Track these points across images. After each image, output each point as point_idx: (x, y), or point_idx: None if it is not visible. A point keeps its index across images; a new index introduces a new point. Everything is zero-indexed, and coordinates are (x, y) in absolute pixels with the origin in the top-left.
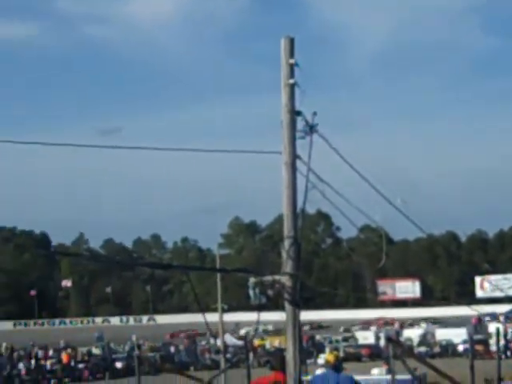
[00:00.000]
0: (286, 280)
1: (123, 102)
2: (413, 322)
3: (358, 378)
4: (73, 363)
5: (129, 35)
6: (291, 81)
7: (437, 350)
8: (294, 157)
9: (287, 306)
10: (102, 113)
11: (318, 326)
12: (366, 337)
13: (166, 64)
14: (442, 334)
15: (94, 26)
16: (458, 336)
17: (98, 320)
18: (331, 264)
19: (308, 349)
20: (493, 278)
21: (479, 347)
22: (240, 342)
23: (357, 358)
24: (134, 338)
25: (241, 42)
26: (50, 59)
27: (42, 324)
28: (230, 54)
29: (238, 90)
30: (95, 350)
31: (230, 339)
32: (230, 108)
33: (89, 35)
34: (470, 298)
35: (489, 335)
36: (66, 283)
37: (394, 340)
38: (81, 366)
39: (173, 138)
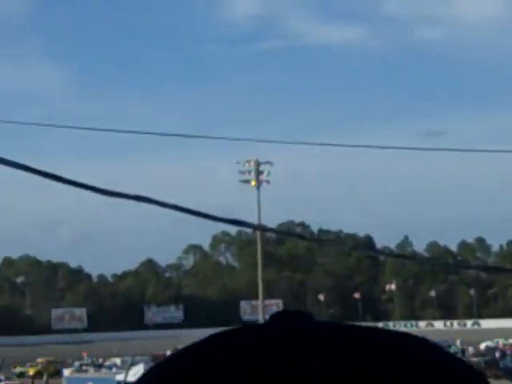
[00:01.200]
0: None
1: (448, 104)
2: None
3: None
4: None
5: (455, 35)
6: None
7: None
8: None
9: None
10: (427, 115)
11: None
12: None
13: (495, 64)
14: None
15: (421, 28)
16: None
17: (422, 324)
18: None
19: None
20: None
21: None
22: None
23: None
24: (458, 342)
25: None
26: (378, 61)
27: None
28: None
29: None
30: None
31: None
32: None
33: (416, 36)
34: None
35: None
36: (390, 286)
37: None
38: None
39: (504, 140)
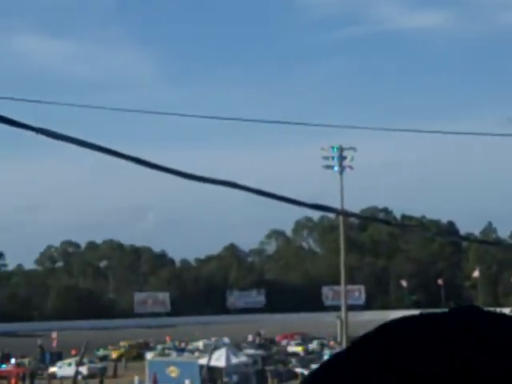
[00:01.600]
0: None
1: None
2: None
3: None
4: None
5: None
6: None
7: None
8: None
9: None
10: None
11: None
12: None
13: None
14: None
15: (506, 13)
16: None
17: (505, 311)
18: None
19: None
20: None
21: None
22: None
23: None
24: None
25: None
26: (463, 46)
27: None
28: None
29: None
30: None
31: None
32: None
33: (501, 21)
34: None
35: None
36: (474, 272)
37: None
38: None
39: None
